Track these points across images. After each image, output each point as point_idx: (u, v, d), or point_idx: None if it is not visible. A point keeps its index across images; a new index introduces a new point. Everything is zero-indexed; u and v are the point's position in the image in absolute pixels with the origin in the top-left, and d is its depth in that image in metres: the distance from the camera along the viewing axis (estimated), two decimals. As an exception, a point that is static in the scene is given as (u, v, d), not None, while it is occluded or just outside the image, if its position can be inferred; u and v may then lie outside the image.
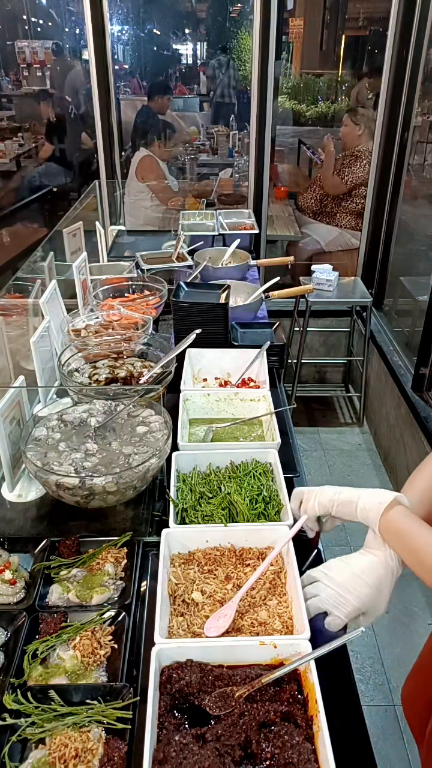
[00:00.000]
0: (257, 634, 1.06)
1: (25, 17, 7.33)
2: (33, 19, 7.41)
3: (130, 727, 0.95)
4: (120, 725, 0.95)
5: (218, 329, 2.04)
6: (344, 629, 1.06)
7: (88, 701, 0.98)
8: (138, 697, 0.99)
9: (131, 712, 0.96)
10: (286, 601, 1.13)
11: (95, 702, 0.98)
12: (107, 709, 0.97)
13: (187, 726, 0.94)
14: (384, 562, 1.07)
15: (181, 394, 1.70)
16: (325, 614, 1.06)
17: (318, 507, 1.18)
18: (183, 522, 1.30)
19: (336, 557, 1.13)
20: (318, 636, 1.03)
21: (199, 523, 1.28)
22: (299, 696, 0.97)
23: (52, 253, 2.35)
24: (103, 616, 1.14)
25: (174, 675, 0.97)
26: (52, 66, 6.75)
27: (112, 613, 1.15)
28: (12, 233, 5.20)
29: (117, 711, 0.96)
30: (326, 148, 4.55)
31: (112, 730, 0.95)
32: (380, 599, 1.06)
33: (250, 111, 3.72)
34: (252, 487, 1.37)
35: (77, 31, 6.78)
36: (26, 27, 7.31)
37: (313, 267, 3.81)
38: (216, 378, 1.92)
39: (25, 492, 1.50)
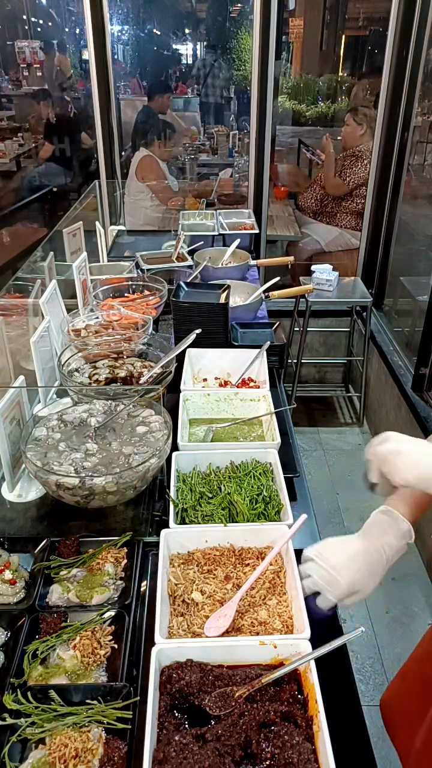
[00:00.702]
0: (257, 634, 1.06)
1: (25, 17, 7.32)
2: (33, 19, 7.41)
3: (130, 727, 0.95)
4: (120, 725, 0.95)
5: (218, 329, 2.04)
6: (335, 609, 1.08)
7: (88, 701, 0.98)
8: (138, 697, 0.99)
9: (131, 712, 0.96)
10: (286, 601, 1.13)
11: (95, 702, 0.98)
12: (107, 709, 0.97)
13: (187, 726, 0.94)
14: (380, 549, 1.08)
15: (181, 394, 1.70)
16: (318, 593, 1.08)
17: (404, 481, 1.00)
18: (183, 522, 1.30)
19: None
20: (312, 614, 1.05)
21: (200, 523, 1.28)
22: (299, 696, 0.97)
23: (52, 253, 2.35)
24: (103, 616, 1.14)
25: (174, 675, 0.97)
26: (44, 65, 6.75)
27: (112, 613, 1.15)
28: (12, 233, 5.20)
29: (117, 711, 0.96)
30: (326, 150, 4.55)
31: (112, 730, 0.95)
32: (371, 583, 1.07)
33: (250, 111, 3.72)
34: (252, 487, 1.37)
35: (77, 31, 6.78)
36: (26, 27, 7.31)
37: (313, 267, 3.81)
38: (216, 378, 1.92)
39: (25, 492, 1.50)
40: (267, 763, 0.89)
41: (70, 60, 6.74)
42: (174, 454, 1.44)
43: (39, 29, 7.42)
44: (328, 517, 3.24)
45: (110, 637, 1.11)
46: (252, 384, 1.85)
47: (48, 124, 6.00)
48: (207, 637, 1.05)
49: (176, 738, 0.88)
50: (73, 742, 0.91)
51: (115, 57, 5.61)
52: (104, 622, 1.14)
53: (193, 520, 1.29)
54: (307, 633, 1.01)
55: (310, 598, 1.08)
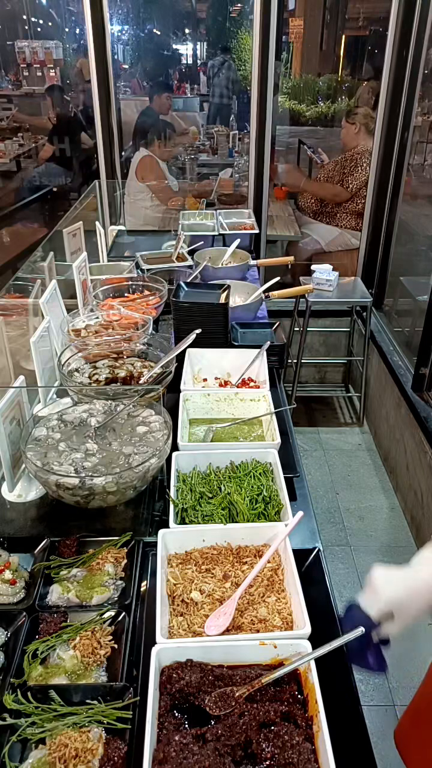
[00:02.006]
0: (257, 631, 1.06)
1: (25, 17, 7.33)
2: (33, 19, 7.41)
3: (130, 727, 0.95)
4: (120, 725, 0.95)
5: (218, 329, 2.04)
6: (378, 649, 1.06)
7: (88, 701, 0.98)
8: (138, 697, 0.99)
9: (131, 712, 0.96)
10: (285, 598, 1.14)
11: (95, 702, 0.98)
12: (107, 709, 0.97)
13: (187, 726, 0.94)
14: (423, 578, 1.06)
15: (181, 394, 1.70)
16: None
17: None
18: (183, 522, 1.30)
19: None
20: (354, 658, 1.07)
21: (199, 523, 1.28)
22: (299, 696, 0.97)
23: (52, 253, 2.35)
24: (103, 616, 1.14)
25: (174, 675, 0.97)
26: (64, 67, 6.76)
27: (112, 613, 1.15)
28: (12, 233, 5.21)
29: (117, 711, 0.96)
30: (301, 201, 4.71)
31: (112, 730, 0.95)
32: (411, 608, 1.05)
33: (250, 111, 3.72)
34: (252, 487, 1.37)
35: (77, 31, 6.79)
36: (26, 27, 7.31)
37: (313, 267, 3.80)
38: (216, 378, 1.92)
39: (25, 492, 1.50)
40: (267, 763, 0.89)
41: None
42: (174, 454, 1.44)
43: (39, 29, 7.42)
44: (328, 517, 3.24)
45: (110, 637, 1.11)
46: (252, 384, 1.85)
47: (52, 125, 6.01)
48: (208, 636, 1.05)
49: (176, 738, 0.88)
50: (73, 742, 0.91)
51: (115, 57, 5.61)
52: (104, 622, 1.14)
53: (193, 520, 1.29)
54: (307, 629, 1.01)
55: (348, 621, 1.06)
